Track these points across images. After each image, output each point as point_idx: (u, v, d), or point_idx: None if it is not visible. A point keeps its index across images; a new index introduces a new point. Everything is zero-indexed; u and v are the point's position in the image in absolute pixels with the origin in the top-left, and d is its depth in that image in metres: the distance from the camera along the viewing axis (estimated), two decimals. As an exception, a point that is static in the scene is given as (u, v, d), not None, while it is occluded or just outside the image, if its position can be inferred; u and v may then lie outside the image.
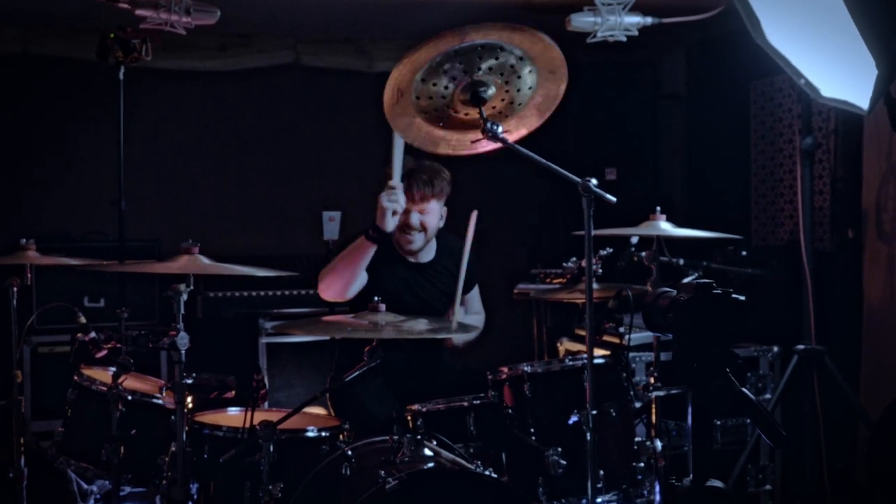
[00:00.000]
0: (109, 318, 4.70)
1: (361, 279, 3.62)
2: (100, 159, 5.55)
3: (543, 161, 2.97)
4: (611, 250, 3.67)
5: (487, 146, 3.15)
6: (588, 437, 2.79)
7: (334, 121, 6.18)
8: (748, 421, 4.01)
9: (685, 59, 6.34)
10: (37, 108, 5.75)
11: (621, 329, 3.24)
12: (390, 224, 3.50)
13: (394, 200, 3.49)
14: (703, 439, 3.49)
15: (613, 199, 2.87)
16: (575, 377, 3.14)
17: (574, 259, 3.81)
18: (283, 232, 6.01)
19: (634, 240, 3.69)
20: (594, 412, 2.82)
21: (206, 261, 3.03)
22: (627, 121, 5.82)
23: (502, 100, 3.03)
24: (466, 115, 3.04)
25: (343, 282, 3.59)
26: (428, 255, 3.87)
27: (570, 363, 3.20)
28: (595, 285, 3.70)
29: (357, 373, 2.99)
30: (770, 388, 4.16)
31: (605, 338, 3.86)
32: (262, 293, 5.49)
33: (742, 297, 2.62)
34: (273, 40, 6.00)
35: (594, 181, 2.84)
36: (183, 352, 2.93)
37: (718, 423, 4.02)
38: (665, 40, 6.06)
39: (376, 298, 3.04)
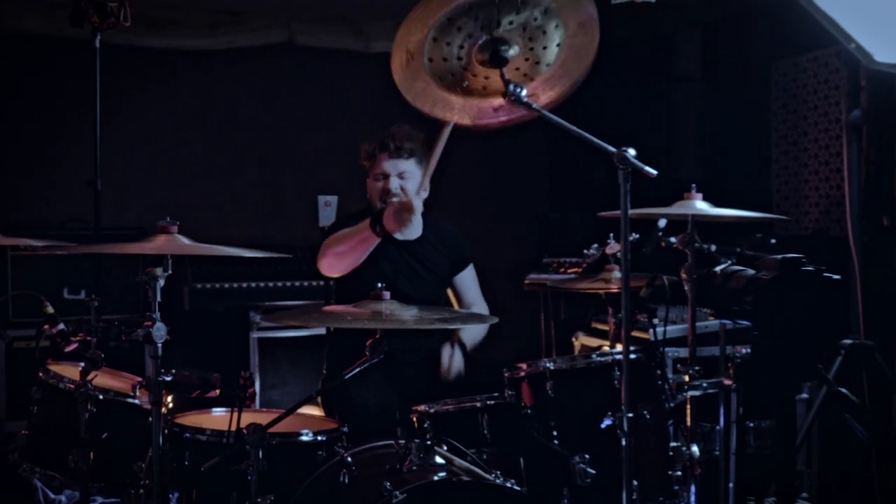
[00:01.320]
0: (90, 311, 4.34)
1: None
2: (83, 142, 5.13)
3: (574, 128, 2.59)
4: (636, 235, 3.28)
5: (512, 115, 2.75)
6: (624, 443, 2.41)
7: (330, 103, 5.79)
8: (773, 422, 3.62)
9: (700, 39, 5.95)
10: (12, 88, 5.33)
11: (655, 321, 2.85)
12: (398, 230, 3.25)
13: (407, 215, 3.19)
14: (737, 443, 3.09)
15: (653, 171, 2.48)
16: (603, 375, 2.75)
17: (595, 246, 3.42)
18: (277, 219, 5.62)
19: (662, 223, 3.30)
20: (630, 415, 2.43)
21: (185, 241, 2.62)
22: (640, 103, 5.42)
23: (526, 59, 2.63)
24: (487, 78, 2.64)
25: (345, 265, 3.33)
26: (415, 231, 3.50)
27: (599, 359, 2.81)
28: (618, 274, 3.33)
29: (358, 369, 2.60)
30: (806, 386, 3.77)
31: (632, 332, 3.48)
32: (253, 285, 5.10)
33: (837, 276, 2.20)
34: (266, 18, 5.65)
35: (632, 151, 2.46)
36: (159, 345, 2.52)
37: (751, 424, 3.63)
38: (680, 18, 5.68)
39: (380, 285, 2.65)
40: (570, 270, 4.31)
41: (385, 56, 5.81)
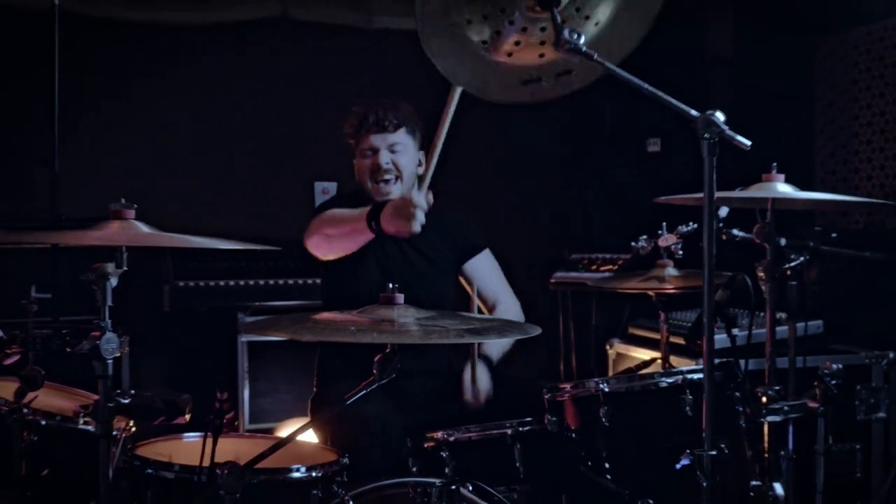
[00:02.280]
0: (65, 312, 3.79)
1: None
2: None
3: (648, 87, 2.01)
4: (693, 225, 2.70)
5: (553, 88, 2.17)
6: (704, 485, 1.85)
7: (327, 83, 5.18)
8: (858, 447, 3.03)
9: (733, 17, 5.34)
10: None
11: (735, 331, 2.26)
12: (397, 233, 2.69)
13: (410, 220, 2.60)
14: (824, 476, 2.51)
15: (746, 142, 1.93)
16: (671, 400, 2.17)
17: (645, 237, 2.83)
18: (271, 208, 5.02)
19: (723, 212, 2.74)
20: (712, 452, 1.87)
21: (144, 229, 2.03)
22: (672, 86, 4.81)
23: (577, 9, 2.05)
24: (524, 29, 2.06)
25: (333, 250, 2.88)
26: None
27: (666, 380, 2.21)
28: (672, 271, 2.76)
29: (364, 392, 2.01)
30: (885, 404, 3.18)
31: (673, 339, 2.90)
32: (241, 283, 4.51)
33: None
34: (258, -10, 5.00)
35: (720, 116, 1.90)
36: (109, 361, 1.93)
37: (820, 450, 3.04)
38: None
39: (391, 286, 2.06)
40: (603, 268, 3.73)
41: (388, 32, 5.25)
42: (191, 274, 4.51)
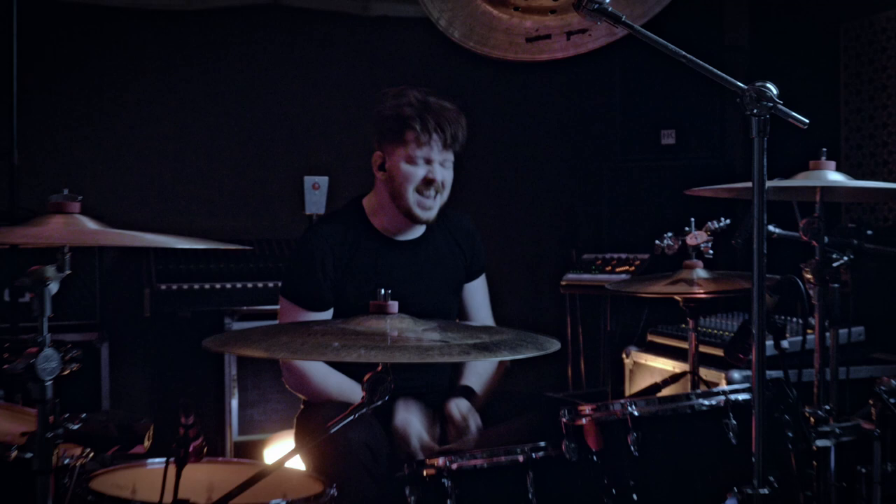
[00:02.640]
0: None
1: None
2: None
3: (685, 55, 1.71)
4: (726, 221, 2.38)
5: (562, 47, 1.87)
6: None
7: (321, 73, 4.86)
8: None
9: (748, 3, 5.03)
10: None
11: (784, 343, 1.94)
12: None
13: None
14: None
15: (804, 120, 1.62)
16: (712, 424, 1.85)
17: (670, 235, 2.50)
18: (258, 204, 4.70)
19: (759, 206, 2.39)
20: (764, 491, 1.56)
21: (91, 225, 1.71)
22: (687, 75, 4.47)
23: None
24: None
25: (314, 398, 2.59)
26: (416, 230, 2.68)
27: (705, 401, 1.88)
28: (702, 273, 2.43)
29: (352, 417, 1.70)
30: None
31: (703, 349, 2.58)
32: (228, 286, 4.18)
33: None
34: (248, -26, 4.69)
35: (773, 88, 1.58)
36: (48, 383, 1.60)
37: (863, 470, 2.71)
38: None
39: (383, 292, 1.75)
40: (619, 269, 3.41)
41: (386, 20, 4.90)
42: (174, 276, 4.18)
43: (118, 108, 4.57)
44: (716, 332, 2.80)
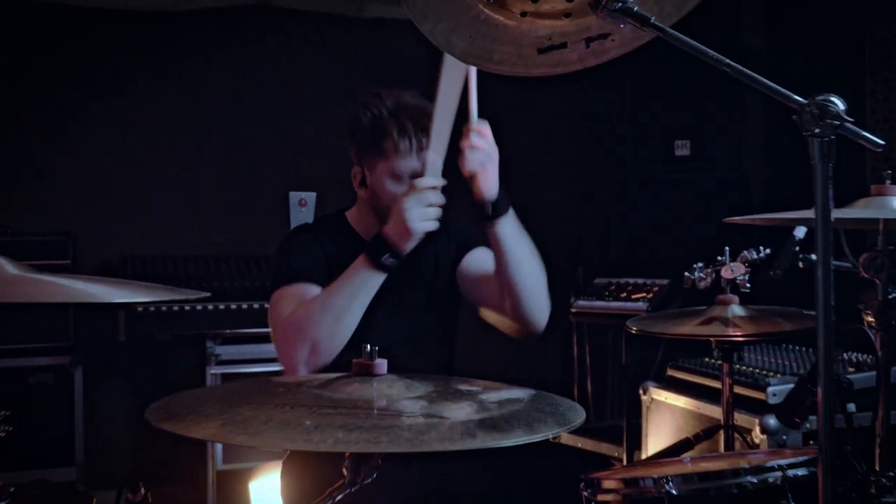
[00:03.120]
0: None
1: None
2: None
3: (729, 62, 1.40)
4: (766, 252, 2.06)
5: (581, 57, 1.56)
6: None
7: (313, 79, 4.53)
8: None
9: (764, 4, 4.71)
10: None
11: (851, 406, 1.62)
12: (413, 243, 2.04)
13: (429, 210, 2.04)
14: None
15: (880, 142, 1.30)
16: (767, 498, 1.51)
17: (700, 265, 2.18)
18: (246, 221, 4.36)
19: (800, 232, 2.12)
20: None
21: (9, 269, 1.38)
22: (702, 82, 4.14)
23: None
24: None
25: (338, 343, 2.03)
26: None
27: (756, 480, 1.56)
28: (738, 310, 2.12)
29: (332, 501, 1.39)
30: None
31: (738, 390, 2.28)
32: (210, 307, 3.87)
33: None
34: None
35: (839, 103, 1.27)
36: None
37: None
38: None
39: (368, 349, 1.44)
40: (635, 296, 3.09)
41: (382, 22, 4.57)
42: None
43: (95, 114, 4.25)
44: (747, 369, 2.48)
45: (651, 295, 3.05)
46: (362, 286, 2.04)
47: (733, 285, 2.10)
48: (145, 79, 4.33)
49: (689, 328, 2.07)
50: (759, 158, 4.47)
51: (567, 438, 3.37)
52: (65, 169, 4.20)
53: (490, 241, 2.15)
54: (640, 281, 3.16)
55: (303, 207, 3.20)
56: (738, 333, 2.03)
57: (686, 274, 2.15)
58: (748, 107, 4.32)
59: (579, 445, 3.34)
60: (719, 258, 2.15)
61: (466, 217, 2.32)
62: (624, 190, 4.17)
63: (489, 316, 2.30)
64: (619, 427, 3.33)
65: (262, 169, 4.34)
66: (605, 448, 3.32)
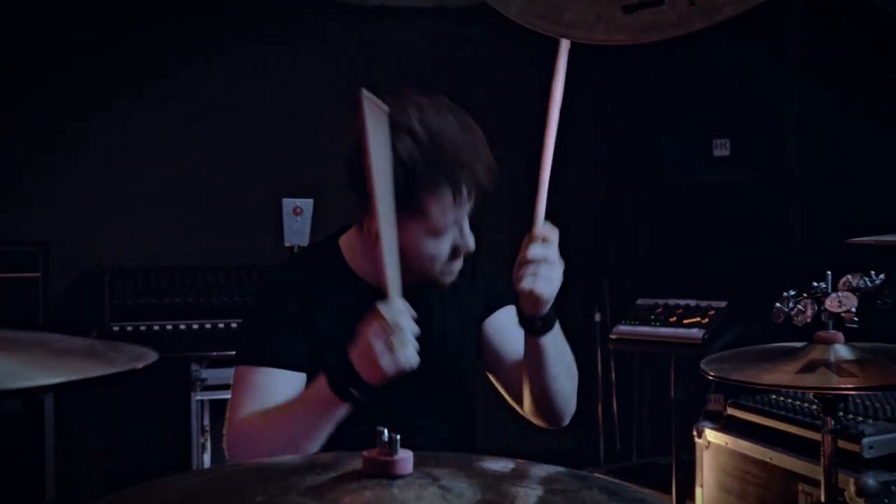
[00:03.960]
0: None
1: None
2: None
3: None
4: (880, 278, 1.61)
5: (684, 17, 1.11)
6: None
7: (312, 71, 4.07)
8: None
9: None
10: None
11: None
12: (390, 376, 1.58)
13: (403, 348, 1.55)
14: None
15: None
16: None
17: (792, 293, 1.71)
18: (238, 228, 3.91)
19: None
20: None
21: None
22: (744, 75, 3.67)
23: None
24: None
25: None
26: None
27: None
28: (844, 351, 1.67)
29: None
30: None
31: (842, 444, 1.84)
32: (195, 325, 3.44)
33: None
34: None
35: None
36: None
37: None
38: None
39: (386, 435, 0.97)
40: (687, 321, 2.63)
41: (385, 10, 4.09)
42: (129, 314, 3.41)
43: (71, 116, 3.79)
44: (864, 421, 2.02)
45: (707, 320, 2.59)
46: (324, 416, 1.62)
47: (837, 319, 1.65)
48: (124, 75, 3.87)
49: (786, 376, 1.61)
50: (797, 157, 3.98)
51: (601, 480, 2.92)
52: (36, 173, 3.74)
53: (527, 351, 1.77)
54: (691, 303, 2.70)
55: (298, 216, 2.74)
56: (850, 385, 1.57)
57: (778, 305, 1.69)
58: (790, 97, 3.83)
59: (616, 490, 2.88)
60: (817, 285, 1.69)
61: (491, 258, 1.94)
62: (655, 195, 3.71)
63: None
64: (660, 466, 2.89)
65: (254, 172, 3.87)
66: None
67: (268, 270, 3.55)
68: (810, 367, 1.62)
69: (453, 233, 1.71)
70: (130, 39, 3.87)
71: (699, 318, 2.60)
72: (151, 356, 1.21)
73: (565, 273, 1.78)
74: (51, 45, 3.76)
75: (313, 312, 1.76)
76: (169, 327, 3.39)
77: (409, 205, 1.64)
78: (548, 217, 1.80)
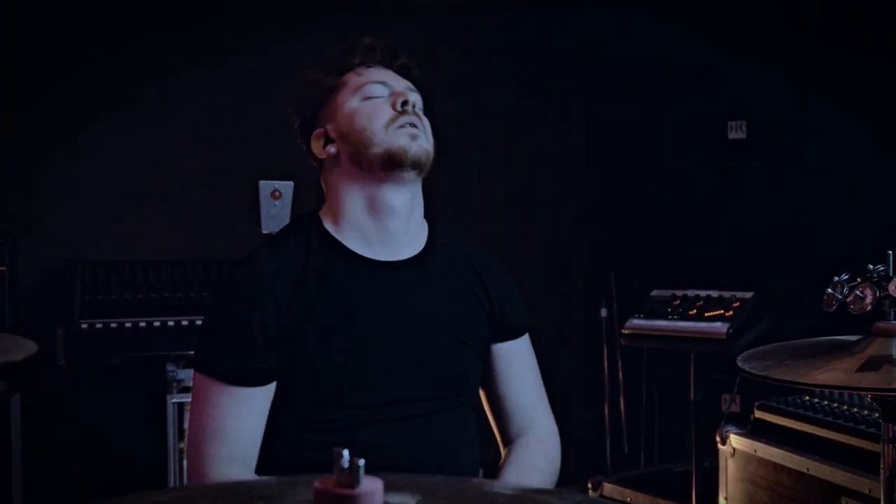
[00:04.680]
0: None
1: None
2: None
3: None
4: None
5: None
6: None
7: (298, 65, 3.75)
8: None
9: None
10: None
11: None
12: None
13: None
14: None
15: None
16: None
17: (843, 278, 1.44)
18: (214, 220, 3.65)
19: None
20: None
21: None
22: (762, 56, 3.39)
23: None
24: None
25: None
26: (412, 241, 1.68)
27: None
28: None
29: None
30: None
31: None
32: (171, 322, 3.15)
33: None
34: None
35: None
36: None
37: None
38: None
39: (346, 455, 0.67)
40: (708, 314, 2.34)
41: (378, 1, 3.80)
42: (101, 310, 3.13)
43: (38, 100, 3.51)
44: (867, 413, 1.76)
45: (731, 313, 2.31)
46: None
47: (906, 307, 1.37)
48: (96, 67, 3.57)
49: (841, 375, 1.34)
50: (815, 143, 3.70)
51: (612, 490, 2.63)
52: (0, 161, 3.46)
53: None
54: (713, 294, 2.42)
55: (276, 201, 2.47)
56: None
57: (829, 291, 1.42)
58: (812, 78, 3.55)
59: (629, 500, 2.60)
60: (874, 268, 1.42)
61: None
62: (665, 180, 3.43)
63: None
64: (676, 474, 2.61)
65: (236, 161, 3.58)
66: (664, 506, 2.57)
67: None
68: (871, 365, 1.34)
69: (384, 91, 1.65)
70: (102, 34, 3.59)
71: (722, 311, 2.32)
72: (31, 347, 0.99)
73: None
74: (17, 41, 3.49)
75: (295, 284, 1.57)
76: (142, 325, 3.10)
77: (354, 73, 1.69)
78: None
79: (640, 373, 3.59)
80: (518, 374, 1.75)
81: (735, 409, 2.94)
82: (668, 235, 3.32)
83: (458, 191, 3.72)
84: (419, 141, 1.59)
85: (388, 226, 1.61)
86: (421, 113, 1.65)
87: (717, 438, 2.17)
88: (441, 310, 1.64)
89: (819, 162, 3.27)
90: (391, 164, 1.57)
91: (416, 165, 1.59)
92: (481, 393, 1.78)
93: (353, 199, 1.62)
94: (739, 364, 1.45)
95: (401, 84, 1.66)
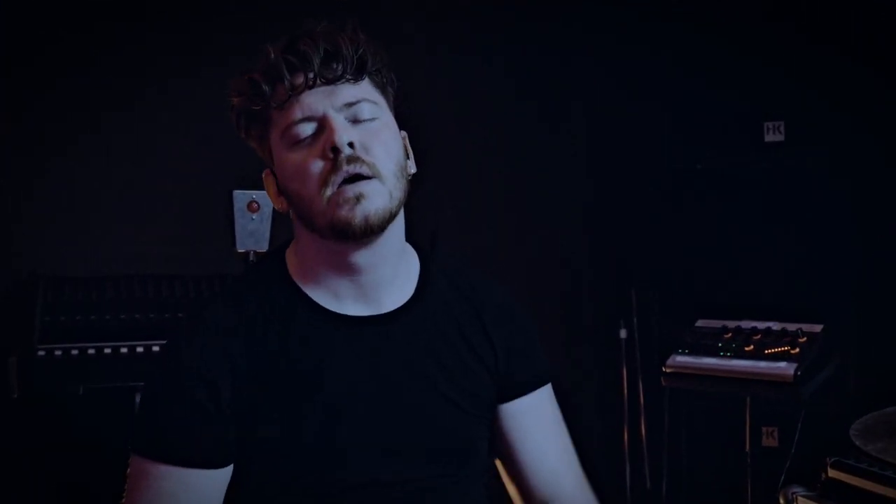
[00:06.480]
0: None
1: None
2: None
3: None
4: None
5: None
6: None
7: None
8: None
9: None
10: None
11: None
12: None
13: None
14: None
15: None
16: None
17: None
18: (191, 234, 3.24)
19: None
20: None
21: None
22: (799, 46, 3.01)
23: None
24: None
25: None
26: (395, 289, 1.35)
27: None
28: None
29: None
30: None
31: None
32: (140, 348, 2.76)
33: None
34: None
35: None
36: None
37: None
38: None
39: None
40: (769, 351, 1.95)
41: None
42: (60, 334, 2.73)
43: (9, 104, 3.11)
44: None
45: (797, 350, 1.92)
46: None
47: None
48: (67, 73, 3.18)
49: None
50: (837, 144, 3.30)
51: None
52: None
53: None
54: (773, 326, 2.02)
55: (254, 214, 2.07)
56: None
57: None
58: (850, 76, 3.17)
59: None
60: None
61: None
62: (695, 186, 3.04)
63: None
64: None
65: (217, 173, 3.18)
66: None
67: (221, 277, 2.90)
68: None
69: (326, 134, 1.25)
70: (102, 34, 3.20)
71: (787, 348, 1.92)
72: None
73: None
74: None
75: (252, 352, 1.24)
76: (107, 350, 2.71)
77: (264, 115, 1.34)
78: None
79: (662, 397, 3.20)
80: (535, 436, 1.43)
81: (772, 442, 2.55)
82: (689, 245, 2.94)
83: (458, 191, 3.51)
84: (364, 204, 1.23)
85: (359, 280, 1.30)
86: (367, 146, 1.26)
87: (781, 500, 1.78)
88: (429, 370, 1.31)
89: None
90: (341, 236, 1.24)
91: (368, 232, 1.24)
92: (496, 460, 1.45)
93: (315, 252, 1.30)
94: (858, 443, 1.04)
95: (335, 111, 1.27)
